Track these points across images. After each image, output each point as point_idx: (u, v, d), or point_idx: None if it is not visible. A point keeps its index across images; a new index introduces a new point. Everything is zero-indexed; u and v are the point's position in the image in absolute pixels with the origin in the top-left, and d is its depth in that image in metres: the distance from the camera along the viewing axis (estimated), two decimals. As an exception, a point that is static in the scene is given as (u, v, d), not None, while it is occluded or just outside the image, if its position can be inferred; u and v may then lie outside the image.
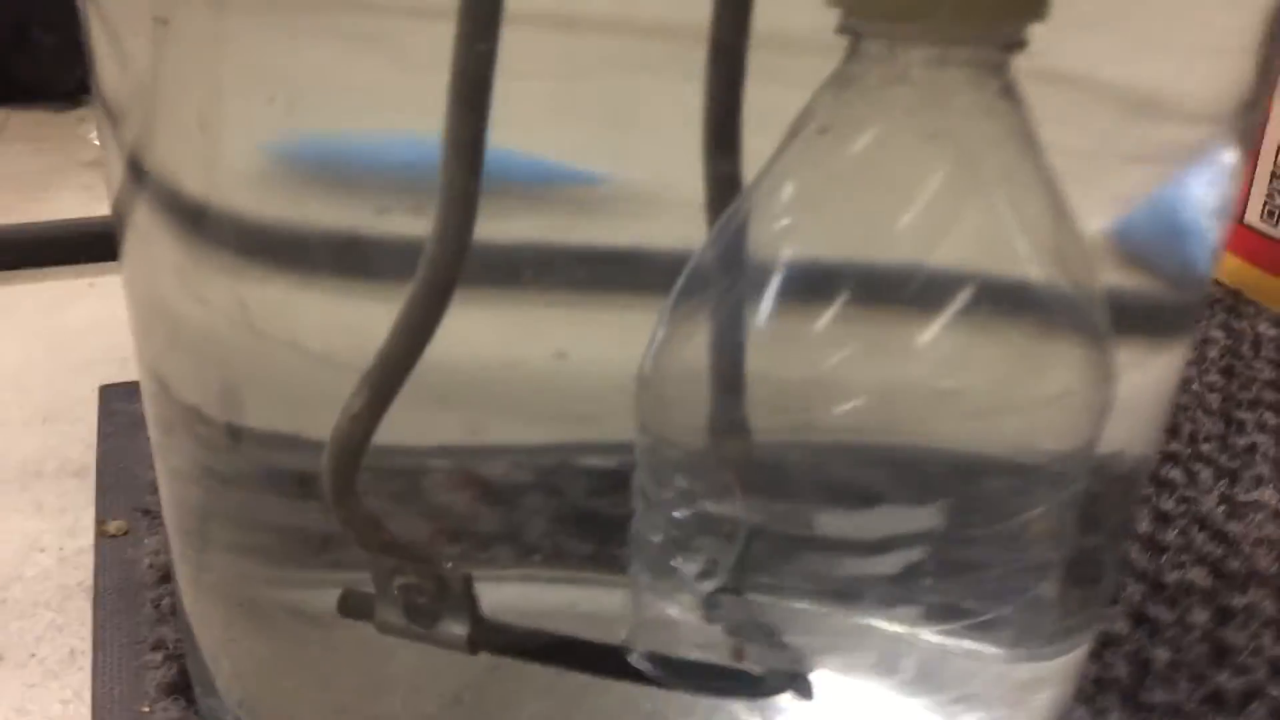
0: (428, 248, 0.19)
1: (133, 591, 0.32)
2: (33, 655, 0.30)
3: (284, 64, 0.20)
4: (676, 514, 0.20)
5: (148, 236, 0.24)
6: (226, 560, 0.27)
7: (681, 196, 0.20)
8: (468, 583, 0.23)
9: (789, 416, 0.20)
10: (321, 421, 0.22)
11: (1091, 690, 0.28)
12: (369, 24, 0.19)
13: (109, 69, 0.22)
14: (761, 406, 0.20)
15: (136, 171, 0.23)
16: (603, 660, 0.23)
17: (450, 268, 0.20)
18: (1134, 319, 0.22)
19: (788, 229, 0.19)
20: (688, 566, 0.21)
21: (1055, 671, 0.25)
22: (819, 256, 0.20)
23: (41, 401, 0.43)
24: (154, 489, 0.34)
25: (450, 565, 0.23)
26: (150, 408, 0.27)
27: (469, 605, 0.23)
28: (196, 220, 0.22)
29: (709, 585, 0.21)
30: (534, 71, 0.18)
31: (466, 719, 0.26)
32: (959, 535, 0.20)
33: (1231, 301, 0.48)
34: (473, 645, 0.23)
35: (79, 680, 0.29)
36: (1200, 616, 0.31)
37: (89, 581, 0.32)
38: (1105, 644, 0.30)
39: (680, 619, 0.22)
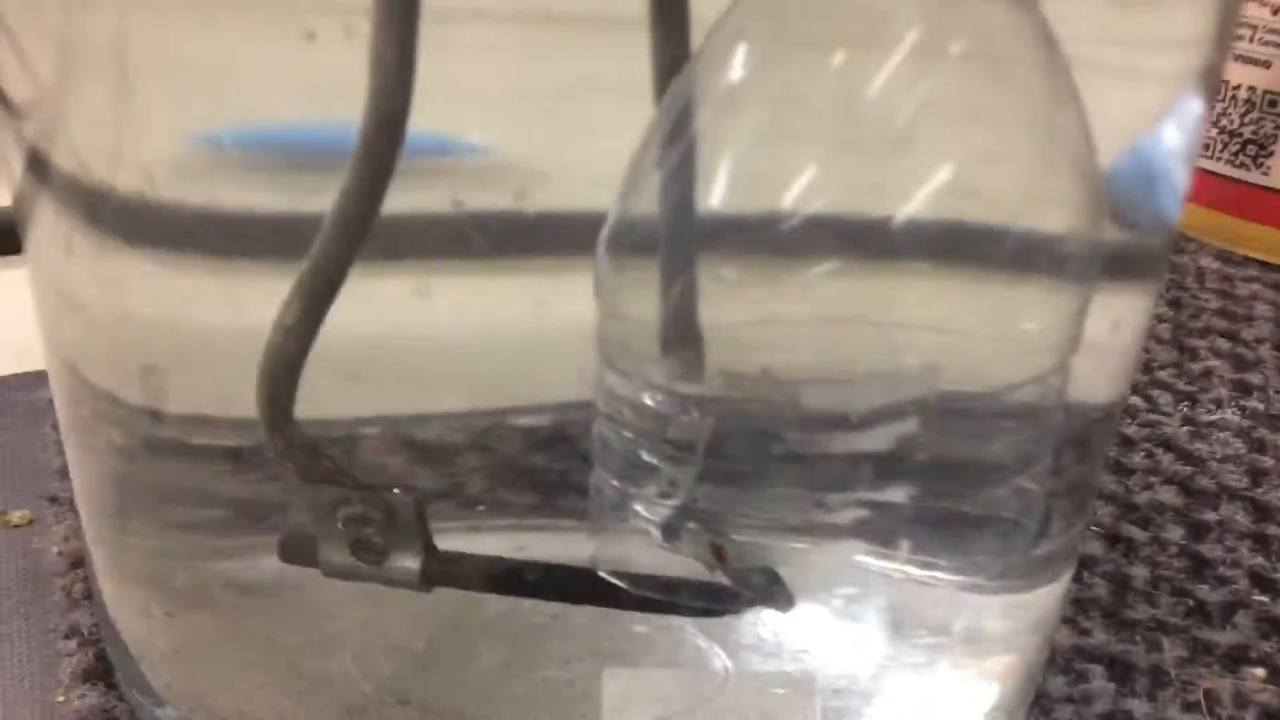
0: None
1: (41, 580, 0.29)
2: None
3: (202, 54, 0.19)
4: (646, 399, 0.19)
5: (58, 231, 0.22)
6: (150, 539, 0.25)
7: (569, 165, 0.20)
8: (419, 508, 0.21)
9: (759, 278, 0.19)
10: (251, 402, 0.20)
11: (1072, 611, 0.28)
12: (289, 16, 0.19)
13: (7, 63, 0.21)
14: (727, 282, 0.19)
15: (41, 165, 0.22)
16: (570, 582, 0.21)
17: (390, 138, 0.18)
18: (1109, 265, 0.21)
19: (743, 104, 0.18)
20: (648, 490, 0.20)
21: (1033, 611, 0.24)
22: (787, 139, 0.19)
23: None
24: (61, 476, 0.32)
25: (398, 491, 0.21)
26: (61, 396, 0.25)
27: (421, 534, 0.21)
28: (118, 214, 0.21)
29: (669, 505, 0.20)
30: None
31: (422, 671, 0.24)
32: (948, 405, 0.19)
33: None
34: (426, 579, 0.21)
35: (-14, 675, 0.27)
36: (1175, 533, 0.30)
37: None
38: (1081, 565, 0.29)
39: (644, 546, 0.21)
